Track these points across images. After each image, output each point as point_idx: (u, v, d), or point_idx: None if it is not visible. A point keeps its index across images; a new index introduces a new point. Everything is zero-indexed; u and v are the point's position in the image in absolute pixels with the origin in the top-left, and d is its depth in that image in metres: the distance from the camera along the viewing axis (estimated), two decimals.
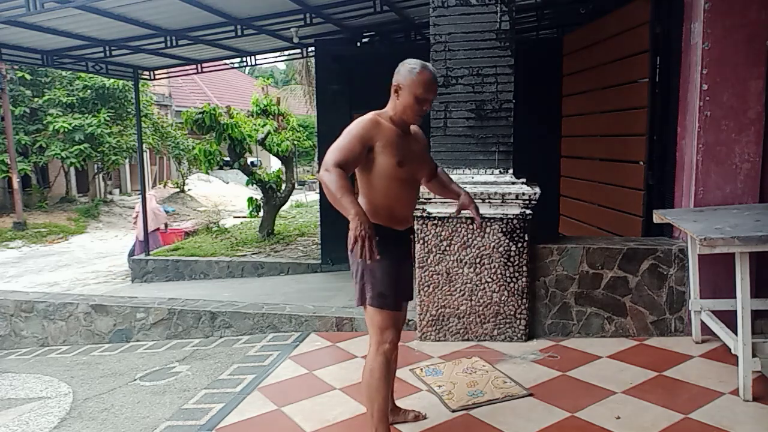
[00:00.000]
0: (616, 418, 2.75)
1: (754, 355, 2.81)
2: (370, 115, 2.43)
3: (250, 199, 10.62)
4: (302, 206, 15.98)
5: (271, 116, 10.88)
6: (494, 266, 3.72)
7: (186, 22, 6.57)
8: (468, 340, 3.80)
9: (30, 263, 12.05)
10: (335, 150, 2.28)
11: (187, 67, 9.34)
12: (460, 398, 3.01)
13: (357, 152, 2.30)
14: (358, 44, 7.81)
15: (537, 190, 3.65)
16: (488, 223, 3.70)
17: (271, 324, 4.44)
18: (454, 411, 2.90)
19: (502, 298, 3.74)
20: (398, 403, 2.96)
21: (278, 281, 7.64)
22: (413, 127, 2.60)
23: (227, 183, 23.07)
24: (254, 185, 10.50)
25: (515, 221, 3.67)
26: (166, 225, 11.28)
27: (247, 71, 30.07)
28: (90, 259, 12.32)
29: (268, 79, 14.54)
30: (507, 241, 3.69)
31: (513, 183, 3.67)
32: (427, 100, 2.40)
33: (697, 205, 3.57)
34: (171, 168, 23.13)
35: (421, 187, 2.73)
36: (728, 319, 3.13)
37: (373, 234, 2.10)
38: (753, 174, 3.52)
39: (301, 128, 12.81)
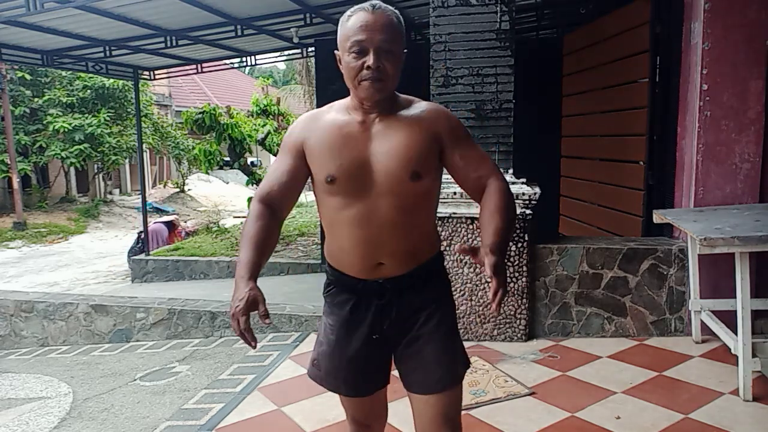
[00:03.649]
0: (616, 418, 2.75)
1: (754, 355, 2.81)
2: (310, 112, 1.71)
3: (250, 199, 10.63)
4: (302, 206, 15.94)
5: (271, 116, 10.89)
6: None
7: (186, 22, 6.57)
8: (468, 340, 3.80)
9: (30, 263, 12.05)
10: None
11: (187, 67, 9.33)
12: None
13: (281, 169, 1.61)
14: None
15: (537, 190, 3.65)
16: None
17: (271, 324, 4.44)
18: None
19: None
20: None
21: (278, 281, 7.63)
22: (418, 109, 1.60)
23: (227, 183, 23.07)
24: (254, 185, 10.50)
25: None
26: (173, 224, 11.42)
27: (247, 71, 30.06)
28: (90, 259, 12.31)
29: (268, 79, 14.55)
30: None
31: (513, 183, 3.67)
32: (362, 45, 1.49)
33: (697, 205, 3.57)
34: (171, 168, 23.13)
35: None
36: (728, 319, 3.13)
37: (244, 314, 1.40)
38: (753, 174, 3.52)
39: None
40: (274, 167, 1.64)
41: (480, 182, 1.60)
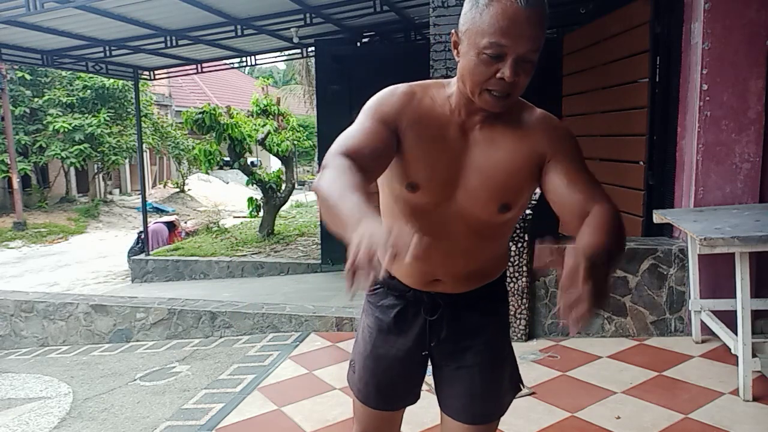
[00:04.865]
0: (616, 418, 2.75)
1: (754, 355, 2.81)
2: (403, 85, 1.32)
3: (250, 199, 10.63)
4: (302, 206, 15.97)
5: (271, 116, 10.89)
6: None
7: (186, 22, 6.58)
8: None
9: (30, 263, 12.05)
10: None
11: (187, 67, 9.34)
12: None
13: (375, 134, 1.22)
14: (358, 44, 7.81)
15: (537, 190, 3.65)
16: None
17: (271, 324, 4.44)
18: None
19: None
20: None
21: (278, 281, 7.63)
22: (527, 121, 1.30)
23: (227, 183, 23.07)
24: (254, 185, 10.50)
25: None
26: (173, 224, 11.40)
27: (247, 71, 30.05)
28: (90, 259, 12.31)
29: (268, 79, 14.52)
30: (507, 241, 3.69)
31: None
32: (501, 50, 1.14)
33: (697, 205, 3.57)
34: (171, 168, 23.13)
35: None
36: (728, 319, 3.13)
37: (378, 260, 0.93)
38: (753, 174, 3.52)
39: (301, 128, 12.82)
40: (362, 129, 1.24)
41: (582, 205, 1.23)
